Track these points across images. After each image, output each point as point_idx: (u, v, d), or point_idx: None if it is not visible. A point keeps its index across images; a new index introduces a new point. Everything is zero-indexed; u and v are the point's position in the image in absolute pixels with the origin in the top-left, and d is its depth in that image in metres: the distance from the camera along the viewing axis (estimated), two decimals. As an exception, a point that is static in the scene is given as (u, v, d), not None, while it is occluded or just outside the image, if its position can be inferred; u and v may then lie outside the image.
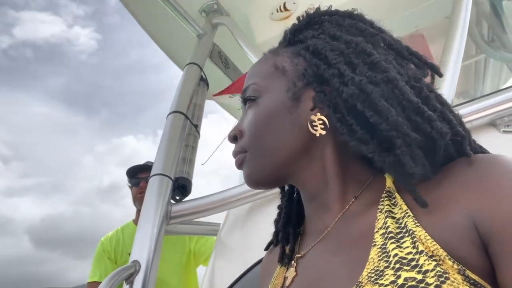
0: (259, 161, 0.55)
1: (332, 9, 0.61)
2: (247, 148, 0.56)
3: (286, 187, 0.66)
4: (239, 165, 0.58)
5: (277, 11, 1.76)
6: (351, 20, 0.57)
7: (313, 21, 0.60)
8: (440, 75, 0.55)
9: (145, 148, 53.60)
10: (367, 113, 0.48)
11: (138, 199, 1.96)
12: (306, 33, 0.58)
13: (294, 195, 0.65)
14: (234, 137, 0.59)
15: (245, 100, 0.59)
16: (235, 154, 0.58)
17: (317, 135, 0.52)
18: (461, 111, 0.81)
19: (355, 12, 0.59)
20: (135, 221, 2.04)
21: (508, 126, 0.81)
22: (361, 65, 0.50)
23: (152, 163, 2.03)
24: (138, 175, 2.02)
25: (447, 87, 0.94)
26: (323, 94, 0.52)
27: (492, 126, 0.84)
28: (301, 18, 0.61)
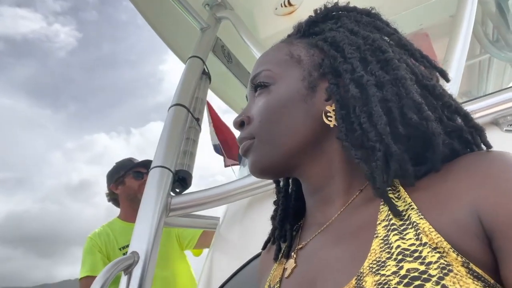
0: (268, 148, 0.54)
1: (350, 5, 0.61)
2: (255, 135, 0.56)
3: (282, 182, 0.66)
4: (245, 152, 0.57)
5: (282, 6, 1.75)
6: (369, 18, 0.58)
7: (331, 15, 0.60)
8: (448, 80, 0.57)
9: (118, 146, 52.48)
10: (361, 119, 0.49)
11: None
12: (324, 25, 0.59)
13: (291, 190, 0.65)
14: (241, 123, 0.58)
15: (256, 86, 0.58)
16: (241, 140, 0.57)
17: (331, 125, 0.52)
18: (464, 109, 0.81)
19: (373, 11, 0.60)
20: (121, 217, 2.01)
21: (511, 125, 0.81)
22: (373, 63, 0.51)
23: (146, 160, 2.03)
24: (138, 169, 1.99)
25: (449, 87, 0.93)
26: (336, 86, 0.53)
27: (494, 125, 0.83)
28: (318, 11, 0.61)
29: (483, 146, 0.50)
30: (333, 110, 0.52)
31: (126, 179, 1.99)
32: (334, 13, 0.60)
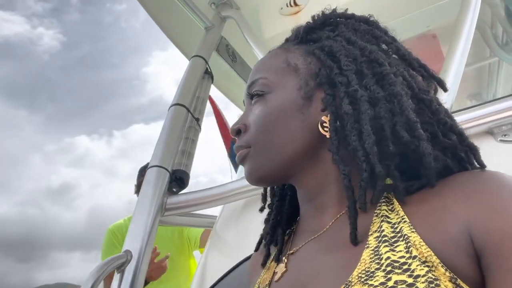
0: (264, 157, 0.55)
1: (348, 12, 0.61)
2: (252, 143, 0.56)
3: (277, 186, 0.66)
4: (242, 160, 0.57)
5: (287, 6, 1.74)
6: (367, 26, 0.58)
7: (329, 21, 0.60)
8: (445, 90, 0.56)
9: (99, 148, 55.46)
10: (351, 137, 0.49)
11: None
12: (321, 33, 0.58)
13: (286, 195, 0.65)
14: (237, 131, 0.58)
15: (252, 95, 0.58)
16: (238, 148, 0.58)
17: (328, 136, 0.52)
18: (459, 118, 0.80)
19: (371, 19, 0.59)
20: None
21: (505, 136, 0.80)
22: (369, 76, 0.51)
23: None
24: None
25: (448, 90, 0.92)
26: (332, 98, 0.53)
27: (489, 135, 0.83)
28: (316, 18, 0.61)
29: (477, 164, 0.50)
30: (329, 121, 0.52)
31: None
32: (332, 20, 0.60)
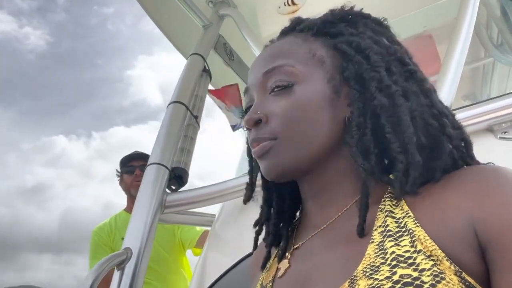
0: (293, 150, 0.52)
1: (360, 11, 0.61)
2: (278, 135, 0.52)
3: (276, 183, 0.65)
4: (265, 153, 0.53)
5: (285, 5, 1.75)
6: (381, 28, 0.58)
7: (347, 18, 0.59)
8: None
9: (77, 149, 58.03)
10: (386, 128, 0.49)
11: (135, 186, 1.99)
12: (341, 28, 0.57)
13: (285, 192, 0.63)
14: (257, 121, 0.54)
15: (274, 81, 0.54)
16: (260, 140, 0.53)
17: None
18: (459, 115, 0.81)
19: (384, 22, 0.59)
20: (127, 209, 2.09)
21: (505, 133, 0.81)
22: (397, 74, 0.51)
23: (141, 153, 2.09)
24: (131, 163, 2.09)
25: (447, 90, 0.93)
26: (358, 93, 0.52)
27: (489, 132, 0.83)
28: (334, 12, 0.59)
29: (473, 159, 0.51)
30: (353, 115, 0.52)
31: (123, 176, 2.11)
32: (350, 17, 0.59)
